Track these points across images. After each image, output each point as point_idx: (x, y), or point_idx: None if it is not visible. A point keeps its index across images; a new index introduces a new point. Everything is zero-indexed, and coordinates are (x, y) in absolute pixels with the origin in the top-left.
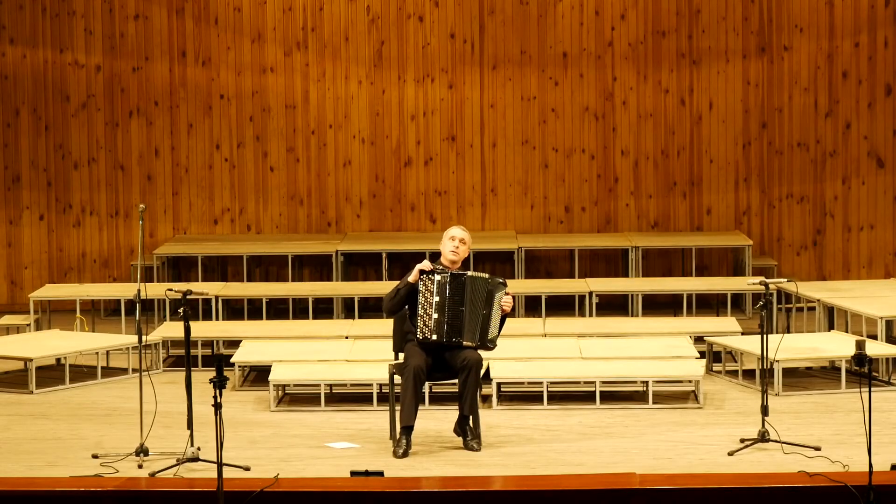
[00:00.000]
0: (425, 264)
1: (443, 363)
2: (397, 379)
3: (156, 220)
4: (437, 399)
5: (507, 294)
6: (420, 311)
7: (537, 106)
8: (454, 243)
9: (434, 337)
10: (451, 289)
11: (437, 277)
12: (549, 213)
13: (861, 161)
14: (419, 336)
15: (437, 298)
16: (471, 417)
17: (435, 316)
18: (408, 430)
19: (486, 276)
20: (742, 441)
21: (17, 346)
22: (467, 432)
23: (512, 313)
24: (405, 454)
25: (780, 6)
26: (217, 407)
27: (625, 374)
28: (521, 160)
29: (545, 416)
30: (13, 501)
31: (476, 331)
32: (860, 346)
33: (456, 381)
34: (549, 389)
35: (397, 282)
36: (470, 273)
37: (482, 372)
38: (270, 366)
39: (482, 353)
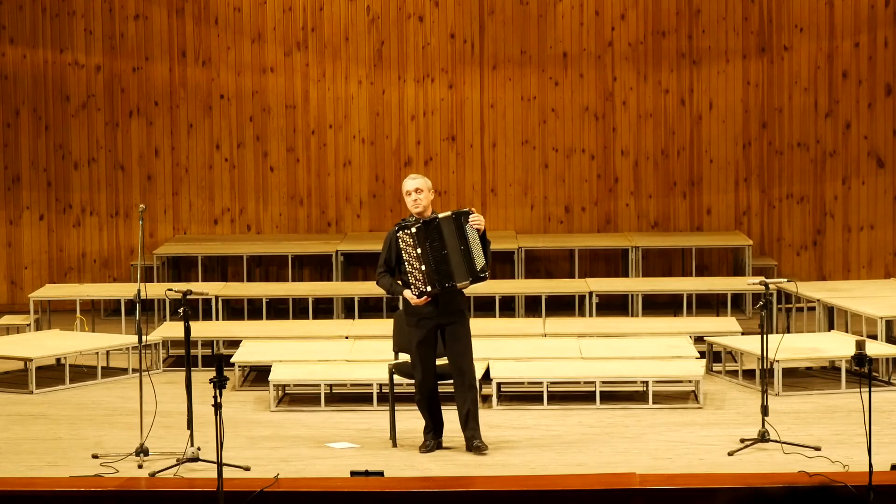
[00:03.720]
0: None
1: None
2: (398, 379)
3: (156, 220)
4: None
5: (472, 215)
6: (408, 269)
7: (537, 106)
8: (411, 197)
9: (429, 289)
10: (427, 235)
11: (413, 229)
12: (549, 213)
13: (861, 161)
14: (416, 294)
15: (418, 250)
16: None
17: (423, 268)
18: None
19: (451, 213)
20: (742, 441)
21: (17, 346)
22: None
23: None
24: (429, 450)
25: (780, 6)
26: (217, 407)
27: (625, 374)
28: (521, 160)
29: (545, 416)
30: (13, 501)
31: (464, 268)
32: (860, 346)
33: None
34: (549, 389)
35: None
36: (440, 215)
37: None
38: (270, 366)
39: (479, 284)
